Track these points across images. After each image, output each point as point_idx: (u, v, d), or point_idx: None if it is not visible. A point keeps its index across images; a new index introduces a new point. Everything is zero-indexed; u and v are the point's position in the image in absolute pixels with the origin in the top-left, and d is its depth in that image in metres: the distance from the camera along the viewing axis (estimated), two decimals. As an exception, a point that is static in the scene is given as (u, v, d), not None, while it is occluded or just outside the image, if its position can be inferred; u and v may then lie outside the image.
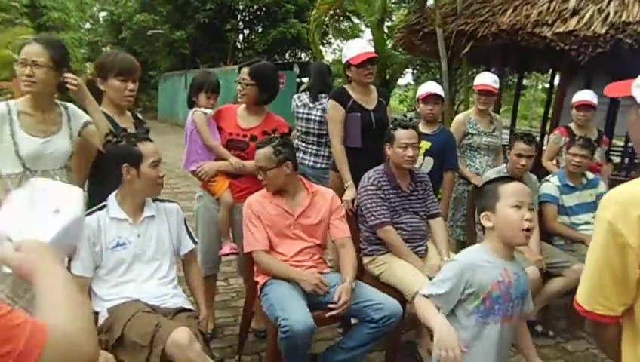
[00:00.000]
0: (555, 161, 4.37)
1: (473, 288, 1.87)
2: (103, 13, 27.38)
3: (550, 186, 3.63)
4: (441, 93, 3.78)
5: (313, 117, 4.16)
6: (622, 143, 10.37)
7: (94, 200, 2.39)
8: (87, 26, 28.71)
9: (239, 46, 22.29)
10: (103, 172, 2.39)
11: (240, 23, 21.77)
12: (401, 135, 2.99)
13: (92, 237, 2.20)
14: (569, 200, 3.64)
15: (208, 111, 3.10)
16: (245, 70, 3.07)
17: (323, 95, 4.18)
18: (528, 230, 1.84)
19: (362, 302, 2.59)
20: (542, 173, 4.26)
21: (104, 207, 2.28)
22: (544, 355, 3.37)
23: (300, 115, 4.24)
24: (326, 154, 4.23)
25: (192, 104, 3.15)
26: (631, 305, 1.19)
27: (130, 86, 2.55)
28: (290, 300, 2.47)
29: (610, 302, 1.20)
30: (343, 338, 2.78)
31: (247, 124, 3.15)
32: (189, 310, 2.31)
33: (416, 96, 3.92)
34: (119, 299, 2.19)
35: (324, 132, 4.03)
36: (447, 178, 3.75)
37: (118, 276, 2.24)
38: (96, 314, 2.19)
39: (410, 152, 2.97)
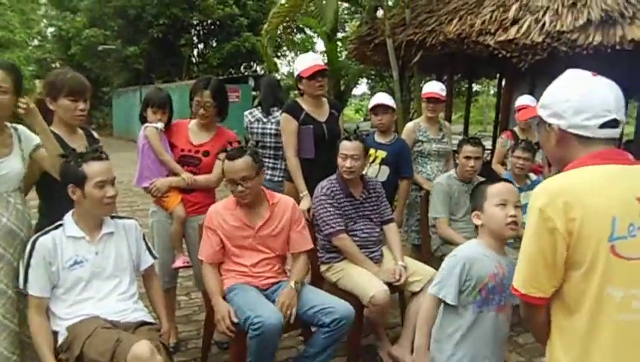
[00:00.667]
0: (503, 164, 4.56)
1: (472, 280, 2.02)
2: (50, 29, 26.75)
3: None
4: (390, 103, 3.92)
5: (268, 130, 4.23)
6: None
7: (47, 220, 2.40)
8: (35, 42, 27.95)
9: (194, 60, 22.18)
10: (55, 190, 2.38)
11: (194, 38, 21.70)
12: (343, 146, 3.11)
13: (47, 256, 2.20)
14: None
15: (160, 125, 3.13)
16: (207, 93, 3.09)
17: (275, 108, 4.26)
18: (513, 223, 2.03)
19: (313, 308, 2.66)
20: (493, 176, 4.45)
21: (60, 225, 2.29)
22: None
23: (254, 130, 4.30)
24: (282, 167, 4.27)
25: (144, 119, 3.19)
26: (560, 286, 1.36)
27: (81, 105, 2.55)
28: (256, 299, 2.56)
29: (543, 285, 1.36)
30: (305, 347, 2.84)
31: (198, 139, 3.21)
32: (151, 323, 2.34)
33: (367, 107, 4.06)
34: (78, 316, 2.19)
35: (280, 145, 4.11)
36: (402, 186, 3.91)
37: (76, 294, 2.25)
38: (55, 333, 2.21)
39: (348, 163, 3.07)
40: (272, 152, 4.27)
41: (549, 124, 1.43)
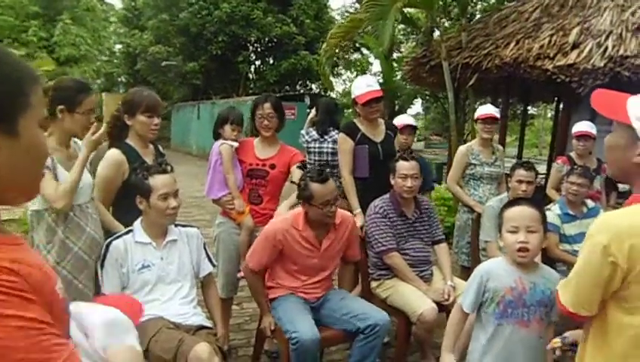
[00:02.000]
0: (559, 190, 4.50)
1: (489, 292, 2.11)
2: (119, 46, 28.16)
3: (551, 215, 3.73)
4: (415, 123, 4.33)
5: (325, 149, 4.35)
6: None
7: (122, 217, 2.63)
8: (104, 58, 29.49)
9: (251, 77, 22.74)
10: (126, 199, 2.59)
11: (251, 55, 22.24)
12: (401, 166, 3.20)
13: (119, 259, 2.40)
14: (570, 228, 3.72)
15: (235, 144, 3.34)
16: (267, 105, 3.32)
17: (331, 129, 4.40)
18: (522, 250, 2.06)
19: (349, 313, 2.77)
20: (547, 201, 4.41)
21: (130, 231, 2.48)
22: None
23: (311, 150, 4.43)
24: (338, 185, 4.41)
25: (217, 136, 3.40)
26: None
27: (156, 121, 2.79)
28: (297, 314, 2.66)
29: (592, 307, 1.42)
30: (349, 359, 2.92)
31: (264, 154, 3.41)
32: (209, 327, 2.48)
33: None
34: (145, 316, 2.34)
35: (337, 163, 4.24)
36: (426, 198, 4.01)
37: (143, 295, 2.41)
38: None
39: (409, 183, 3.18)
40: (329, 170, 4.38)
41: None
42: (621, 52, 5.32)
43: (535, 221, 2.10)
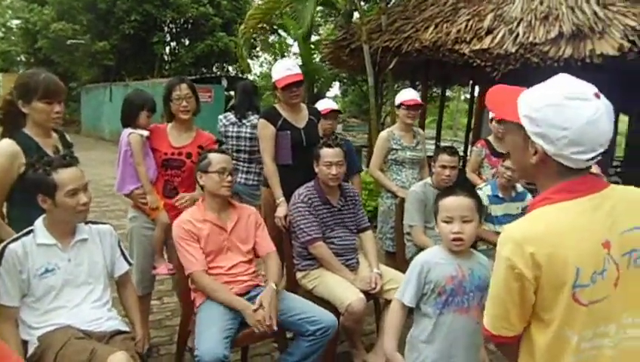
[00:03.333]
0: (479, 174, 4.60)
1: (431, 283, 2.09)
2: (16, 22, 26.00)
3: (480, 195, 3.79)
4: (337, 107, 4.26)
5: (243, 134, 4.22)
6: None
7: (17, 226, 2.31)
8: (-1, 34, 27.22)
9: (166, 59, 21.88)
10: (25, 197, 2.28)
11: (167, 36, 21.41)
12: (325, 153, 3.13)
13: (17, 264, 2.12)
14: (497, 209, 3.80)
15: (146, 133, 3.10)
16: (184, 85, 3.13)
17: (250, 113, 4.29)
18: (456, 240, 2.07)
19: (297, 315, 2.67)
20: (468, 184, 4.50)
21: (31, 232, 2.21)
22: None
23: (229, 134, 4.28)
24: (257, 170, 4.31)
25: (127, 122, 3.12)
26: (528, 322, 1.37)
27: (57, 108, 2.46)
28: (209, 328, 2.48)
29: (513, 325, 1.36)
30: (282, 355, 2.82)
31: (179, 142, 3.20)
32: (125, 332, 2.29)
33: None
34: (50, 326, 2.13)
35: (255, 148, 4.10)
36: (355, 182, 4.06)
37: (47, 303, 2.18)
38: (25, 343, 2.13)
39: (334, 170, 3.11)
40: (246, 156, 4.27)
41: (533, 141, 1.32)
42: (530, 39, 5.53)
43: (470, 210, 2.10)
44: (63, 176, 2.14)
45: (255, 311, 2.56)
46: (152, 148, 3.15)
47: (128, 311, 2.50)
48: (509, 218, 3.80)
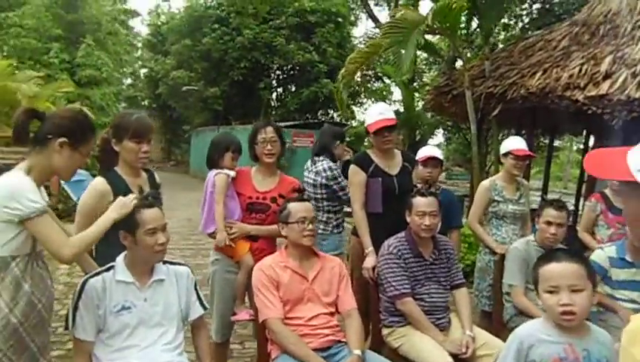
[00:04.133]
0: (593, 233, 4.12)
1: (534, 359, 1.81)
2: (143, 70, 28.64)
3: (600, 255, 3.22)
4: (440, 156, 3.81)
5: (306, 179, 4.08)
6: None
7: (103, 262, 2.33)
8: (129, 81, 29.99)
9: (272, 104, 22.78)
10: (113, 233, 2.32)
11: (273, 82, 22.33)
12: (419, 203, 2.91)
13: (96, 299, 2.13)
14: (620, 273, 3.17)
15: (232, 173, 3.09)
16: (270, 128, 3.10)
17: (320, 158, 4.09)
18: (567, 314, 1.75)
19: None
20: (579, 245, 4.05)
21: (111, 268, 2.22)
22: None
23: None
24: (323, 219, 4.05)
25: (212, 164, 3.13)
26: None
27: (145, 148, 2.51)
28: None
29: None
30: None
31: (264, 186, 3.15)
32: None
33: (416, 159, 3.84)
34: (120, 366, 2.09)
35: (319, 196, 3.98)
36: (453, 237, 3.68)
37: (121, 341, 2.15)
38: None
39: (427, 221, 2.89)
40: (313, 203, 4.05)
41: None
42: (659, 82, 5.00)
43: (579, 278, 1.78)
44: (145, 215, 2.15)
45: None
46: (237, 192, 3.12)
47: (201, 356, 2.41)
48: (634, 285, 3.23)
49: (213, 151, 3.14)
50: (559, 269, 1.80)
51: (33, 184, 1.93)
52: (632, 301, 3.17)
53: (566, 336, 1.79)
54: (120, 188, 2.44)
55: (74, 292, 2.19)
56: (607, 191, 4.15)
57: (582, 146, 11.05)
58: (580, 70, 5.73)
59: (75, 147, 2.03)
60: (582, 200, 7.93)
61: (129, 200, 2.13)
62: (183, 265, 2.45)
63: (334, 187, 3.96)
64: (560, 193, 14.35)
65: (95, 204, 2.40)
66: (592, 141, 8.66)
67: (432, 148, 3.94)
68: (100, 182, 2.46)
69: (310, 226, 2.65)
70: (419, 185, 3.57)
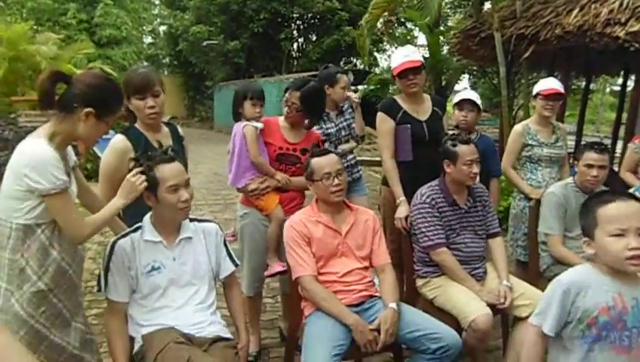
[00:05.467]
0: (635, 173, 3.95)
1: (577, 312, 1.69)
2: (162, 27, 28.31)
3: None
4: (478, 101, 3.57)
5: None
6: None
7: (128, 221, 2.30)
8: (149, 40, 29.74)
9: (294, 55, 22.40)
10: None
11: (294, 32, 21.89)
12: (465, 151, 2.78)
13: (126, 260, 2.10)
14: None
15: (259, 125, 2.98)
16: (296, 94, 2.97)
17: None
18: (636, 258, 1.58)
19: (417, 331, 2.38)
20: (618, 185, 3.89)
21: (138, 228, 2.18)
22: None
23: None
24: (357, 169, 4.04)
25: (238, 116, 3.04)
26: None
27: (150, 103, 2.40)
28: (317, 344, 2.27)
29: None
30: None
31: (294, 138, 3.08)
32: (227, 339, 2.17)
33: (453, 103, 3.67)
34: (154, 325, 2.07)
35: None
36: (493, 186, 3.53)
37: (153, 301, 2.13)
38: (132, 339, 2.11)
39: (475, 168, 2.78)
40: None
41: None
42: None
43: None
44: (164, 171, 2.07)
45: (372, 330, 2.33)
46: (265, 142, 3.03)
47: (234, 316, 2.39)
48: None
49: (234, 102, 3.05)
50: (627, 210, 1.62)
51: (57, 157, 1.86)
52: None
53: (618, 284, 1.66)
54: (140, 144, 2.39)
55: (103, 254, 2.16)
56: (651, 133, 3.96)
57: (616, 88, 10.58)
58: (621, 4, 5.38)
59: (101, 117, 1.94)
60: (618, 143, 7.66)
61: (138, 183, 2.02)
62: (211, 221, 2.40)
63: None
64: (593, 137, 13.93)
65: (116, 163, 2.36)
66: (631, 81, 8.25)
67: (469, 91, 3.72)
68: (119, 140, 2.40)
69: (337, 181, 2.53)
70: (450, 132, 3.41)
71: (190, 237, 2.23)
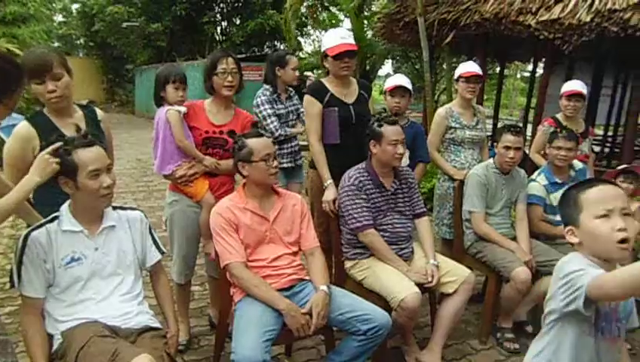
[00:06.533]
0: (543, 153, 4.20)
1: (576, 296, 1.56)
2: (75, 5, 26.63)
3: (536, 187, 3.50)
4: (409, 86, 3.63)
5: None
6: (601, 133, 10.34)
7: (41, 210, 2.15)
8: (60, 18, 27.92)
9: (217, 38, 21.86)
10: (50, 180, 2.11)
11: (217, 15, 21.33)
12: (390, 132, 2.82)
13: (41, 253, 1.96)
14: (556, 197, 3.46)
15: (182, 109, 2.87)
16: (231, 59, 2.90)
17: (266, 86, 4.03)
18: (624, 241, 1.50)
19: (347, 313, 2.41)
20: (528, 165, 4.11)
21: (56, 218, 2.04)
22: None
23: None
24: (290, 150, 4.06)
25: (160, 101, 2.92)
26: None
27: (50, 86, 2.23)
28: (248, 330, 2.24)
29: None
30: (330, 354, 2.59)
31: (219, 120, 2.98)
32: (156, 328, 2.09)
33: (383, 89, 3.74)
34: (75, 320, 1.95)
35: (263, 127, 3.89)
36: (419, 170, 3.61)
37: (73, 295, 2.01)
38: (50, 336, 1.98)
39: (400, 149, 2.83)
40: None
41: None
42: (609, 5, 4.97)
43: (626, 201, 1.58)
44: (83, 156, 1.94)
45: (304, 314, 2.34)
46: (190, 127, 2.93)
47: (162, 305, 2.31)
48: None
49: (156, 86, 2.91)
50: (610, 191, 1.58)
51: None
52: None
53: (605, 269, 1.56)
54: (46, 130, 2.22)
55: (15, 247, 2.01)
56: (558, 116, 4.21)
57: (526, 74, 11.16)
58: (533, -6, 5.65)
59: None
60: (529, 126, 8.09)
61: (50, 160, 1.88)
62: (135, 209, 2.30)
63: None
64: (507, 121, 14.65)
65: (19, 151, 2.21)
66: (540, 68, 8.74)
67: (401, 76, 3.75)
68: (22, 126, 2.25)
69: (275, 163, 2.51)
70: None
71: (114, 226, 2.12)
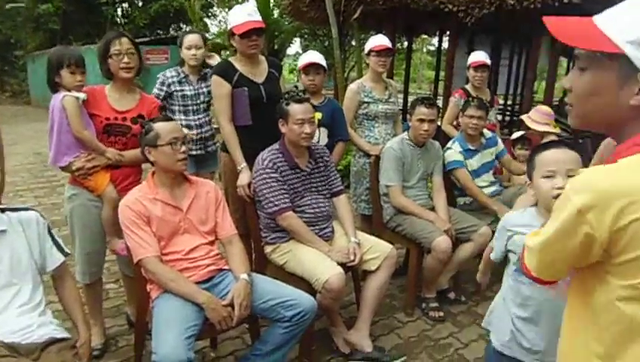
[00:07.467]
0: (455, 124, 4.31)
1: (511, 247, 1.91)
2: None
3: (454, 153, 3.62)
4: (323, 62, 3.52)
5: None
6: (502, 102, 10.86)
7: None
8: None
9: (118, 21, 20.67)
10: None
11: (116, -4, 20.17)
12: (296, 110, 2.73)
13: None
14: (473, 163, 3.67)
15: (82, 95, 2.62)
16: (125, 40, 2.68)
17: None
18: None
19: (270, 301, 2.35)
20: (441, 137, 4.20)
21: None
22: (459, 322, 3.34)
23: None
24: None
25: (55, 87, 2.64)
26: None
27: None
28: (168, 328, 2.11)
29: (560, 273, 1.13)
30: (255, 344, 2.51)
31: (122, 105, 2.75)
32: (63, 339, 1.91)
33: (298, 67, 3.64)
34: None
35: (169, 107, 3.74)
36: (338, 149, 3.51)
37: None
38: None
39: (307, 128, 2.73)
40: None
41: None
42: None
43: (577, 164, 1.78)
44: None
45: (225, 306, 2.25)
46: (90, 114, 2.68)
47: (69, 310, 2.13)
48: (486, 166, 3.73)
49: (49, 71, 2.63)
50: (559, 155, 1.79)
51: None
52: (491, 183, 3.63)
53: None
54: None
55: None
56: (467, 87, 4.33)
57: (432, 48, 11.46)
58: (437, -31, 5.74)
59: None
60: (439, 99, 8.33)
61: None
62: (28, 209, 2.07)
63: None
64: (416, 94, 15.05)
65: None
66: (445, 42, 8.99)
67: (314, 53, 3.62)
68: None
69: (183, 148, 2.37)
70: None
71: (4, 231, 1.91)
